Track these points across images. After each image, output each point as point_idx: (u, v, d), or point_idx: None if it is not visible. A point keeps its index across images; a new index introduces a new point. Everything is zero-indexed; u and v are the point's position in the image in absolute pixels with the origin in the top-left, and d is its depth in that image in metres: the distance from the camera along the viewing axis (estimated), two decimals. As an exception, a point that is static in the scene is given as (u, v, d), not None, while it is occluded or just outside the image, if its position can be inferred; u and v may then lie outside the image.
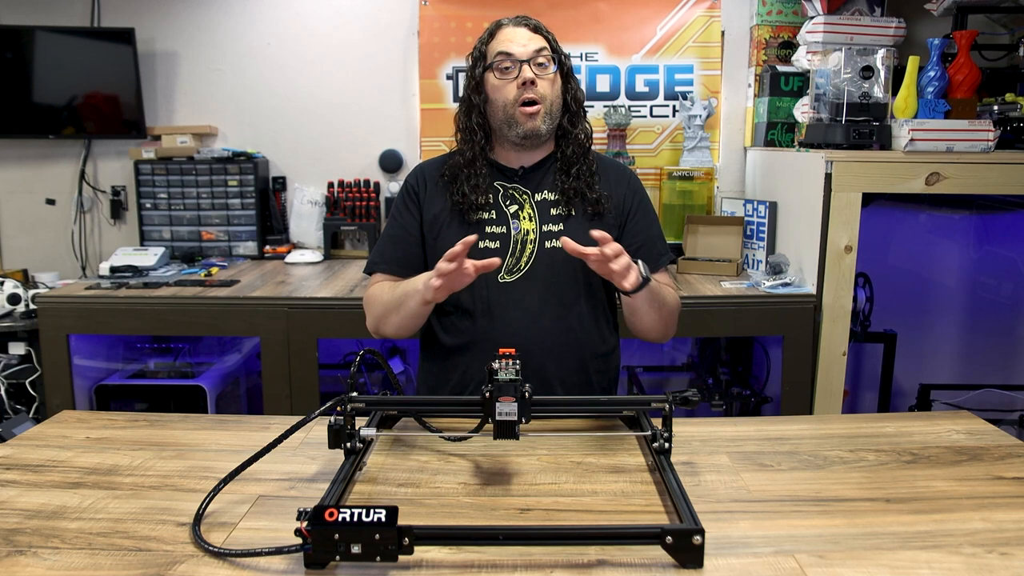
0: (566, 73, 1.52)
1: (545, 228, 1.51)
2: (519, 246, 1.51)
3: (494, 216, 1.52)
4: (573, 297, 1.52)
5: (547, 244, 1.50)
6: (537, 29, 1.49)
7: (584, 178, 1.51)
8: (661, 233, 1.62)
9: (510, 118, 1.48)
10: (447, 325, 1.56)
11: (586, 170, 1.52)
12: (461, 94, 1.57)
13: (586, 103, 1.59)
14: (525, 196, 1.53)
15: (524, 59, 1.45)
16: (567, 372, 1.51)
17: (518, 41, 1.47)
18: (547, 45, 1.48)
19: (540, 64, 1.47)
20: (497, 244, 1.51)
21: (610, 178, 1.57)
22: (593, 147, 1.59)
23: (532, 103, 1.46)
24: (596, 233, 1.31)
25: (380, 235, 1.65)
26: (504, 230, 1.51)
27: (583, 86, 2.84)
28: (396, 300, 1.46)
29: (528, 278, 1.50)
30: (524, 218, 1.52)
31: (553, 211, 1.52)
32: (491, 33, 1.51)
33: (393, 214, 1.61)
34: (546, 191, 1.53)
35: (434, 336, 1.58)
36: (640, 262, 1.36)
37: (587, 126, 1.56)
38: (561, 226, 1.51)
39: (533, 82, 1.45)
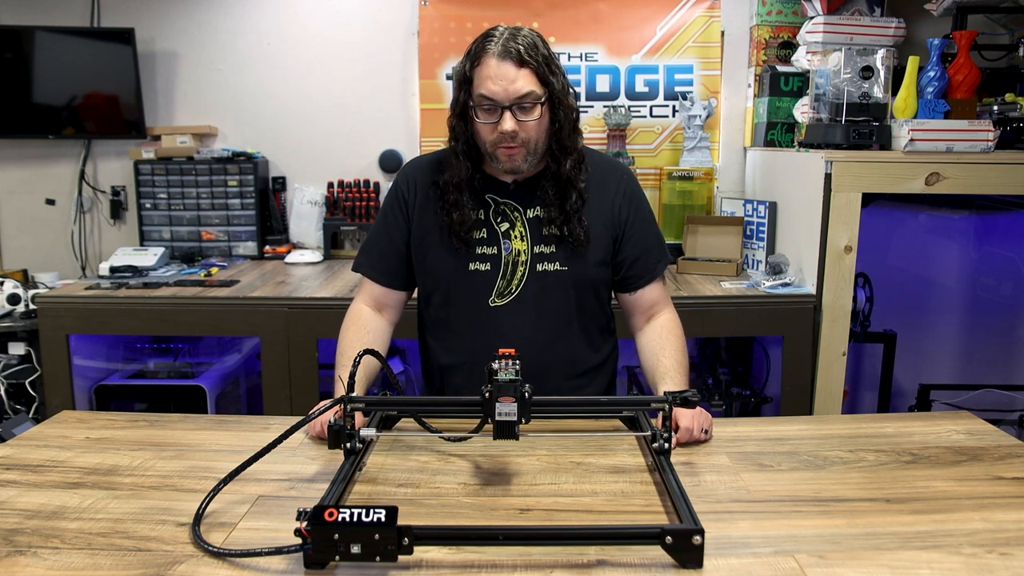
0: (556, 102, 1.40)
1: (537, 249, 1.47)
2: (510, 268, 1.47)
3: (485, 235, 1.47)
4: (565, 320, 1.49)
5: (539, 267, 1.47)
6: (523, 62, 1.34)
7: (572, 212, 1.44)
8: (659, 235, 1.58)
9: (491, 155, 1.42)
10: (440, 343, 1.55)
11: (574, 204, 1.44)
12: (450, 105, 1.46)
13: (586, 103, 1.55)
14: (517, 213, 1.48)
15: (506, 104, 1.35)
16: (561, 393, 1.48)
17: (501, 81, 1.34)
18: (533, 85, 1.35)
19: (523, 108, 1.36)
20: (488, 266, 1.47)
21: (606, 181, 1.52)
22: (588, 144, 1.54)
23: (512, 145, 1.39)
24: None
25: (371, 229, 1.60)
26: (495, 251, 1.47)
27: (583, 87, 2.86)
28: (338, 356, 1.51)
29: (519, 302, 1.47)
30: (515, 237, 1.48)
31: (544, 231, 1.47)
32: (476, 56, 1.37)
33: (383, 214, 1.56)
34: (539, 207, 1.47)
35: (429, 353, 1.58)
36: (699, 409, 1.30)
37: (577, 155, 1.45)
38: (553, 248, 1.47)
39: (513, 133, 1.36)
